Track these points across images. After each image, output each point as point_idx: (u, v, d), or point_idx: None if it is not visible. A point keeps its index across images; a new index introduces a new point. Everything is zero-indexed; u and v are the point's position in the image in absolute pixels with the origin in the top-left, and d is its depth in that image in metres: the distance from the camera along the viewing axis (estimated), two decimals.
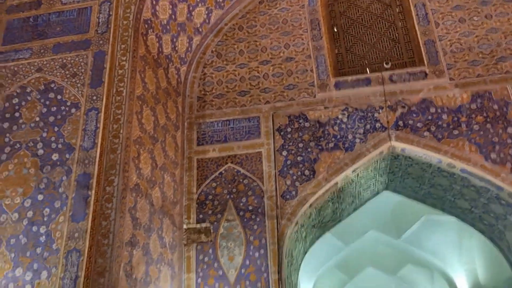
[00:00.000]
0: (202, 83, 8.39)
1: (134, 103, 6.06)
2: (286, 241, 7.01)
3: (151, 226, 6.14)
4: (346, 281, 12.95)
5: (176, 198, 7.25)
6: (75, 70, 6.09)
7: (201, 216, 7.34)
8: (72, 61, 6.17)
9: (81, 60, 6.16)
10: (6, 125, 5.82)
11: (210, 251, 7.00)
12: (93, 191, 5.34)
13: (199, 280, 6.83)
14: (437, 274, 11.50)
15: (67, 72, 6.09)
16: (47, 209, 5.28)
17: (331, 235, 9.97)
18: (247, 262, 6.82)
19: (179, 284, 6.72)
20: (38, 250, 5.07)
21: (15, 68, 6.20)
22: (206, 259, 6.96)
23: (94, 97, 5.87)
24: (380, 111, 7.56)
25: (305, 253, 8.58)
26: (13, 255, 5.07)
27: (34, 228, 5.19)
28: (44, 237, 5.14)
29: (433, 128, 7.28)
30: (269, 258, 6.81)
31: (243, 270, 6.79)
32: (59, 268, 4.97)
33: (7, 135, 5.75)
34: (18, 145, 5.68)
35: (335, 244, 10.78)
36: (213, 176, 7.60)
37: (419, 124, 7.37)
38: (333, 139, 7.55)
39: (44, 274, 4.95)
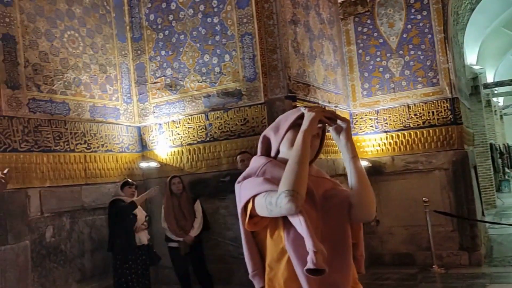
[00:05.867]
0: None
1: None
2: None
3: (308, 3, 6.30)
4: None
5: None
6: None
7: None
8: None
9: None
10: None
11: (369, 21, 7.00)
12: None
13: (360, 51, 7.07)
14: None
15: None
16: (215, 1, 5.78)
17: None
18: (409, 26, 6.71)
19: (341, 57, 7.10)
20: (217, 37, 5.78)
21: None
22: (365, 30, 7.03)
23: None
24: None
25: (472, 10, 7.94)
26: (198, 44, 5.90)
27: (209, 20, 5.82)
28: (218, 26, 5.77)
29: None
30: (433, 19, 6.55)
31: (405, 35, 6.75)
32: (238, 50, 5.67)
33: None
34: None
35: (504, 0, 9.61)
36: None
37: None
38: None
39: (227, 57, 5.74)
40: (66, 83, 5.36)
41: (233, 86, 5.70)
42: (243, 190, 1.64)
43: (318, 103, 6.14)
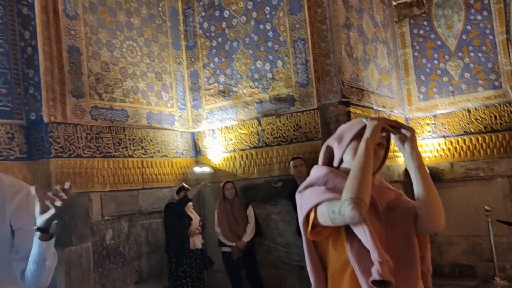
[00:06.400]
0: None
1: None
2: None
3: (361, 7, 6.20)
4: None
5: None
6: None
7: None
8: None
9: None
10: None
11: (425, 23, 6.77)
12: None
13: (416, 53, 6.86)
14: None
15: None
16: (267, 8, 5.82)
17: None
18: (468, 27, 6.43)
19: (396, 60, 6.92)
20: (269, 44, 5.81)
21: None
22: (421, 32, 6.81)
23: None
24: None
25: None
26: (250, 51, 5.96)
27: (261, 26, 5.87)
28: (271, 32, 5.80)
29: None
30: (494, 19, 6.25)
31: (464, 37, 6.47)
32: (290, 56, 5.67)
33: None
34: None
35: None
36: None
37: None
38: None
39: (279, 63, 5.75)
40: (125, 91, 5.58)
41: (285, 91, 5.71)
42: (304, 200, 1.63)
43: (372, 108, 6.01)
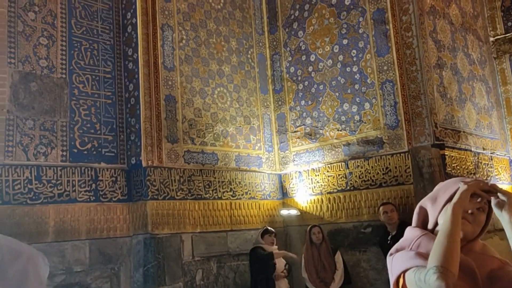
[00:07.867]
0: None
1: None
2: None
3: (455, 45, 5.94)
4: None
5: (476, 10, 6.63)
6: None
7: (509, 24, 6.55)
8: None
9: None
10: None
11: None
12: (391, 24, 5.49)
13: None
14: None
15: None
16: (354, 51, 5.82)
17: None
18: None
19: (496, 98, 6.46)
20: (356, 86, 5.76)
21: None
22: None
23: None
24: None
25: None
26: (337, 94, 5.96)
27: (348, 69, 5.86)
28: (358, 75, 5.76)
29: None
30: None
31: None
32: (378, 98, 5.57)
33: None
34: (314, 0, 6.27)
35: None
36: None
37: None
38: None
39: (367, 105, 5.66)
40: (215, 135, 5.84)
41: (373, 134, 5.57)
42: (394, 263, 1.57)
43: (471, 150, 5.62)
